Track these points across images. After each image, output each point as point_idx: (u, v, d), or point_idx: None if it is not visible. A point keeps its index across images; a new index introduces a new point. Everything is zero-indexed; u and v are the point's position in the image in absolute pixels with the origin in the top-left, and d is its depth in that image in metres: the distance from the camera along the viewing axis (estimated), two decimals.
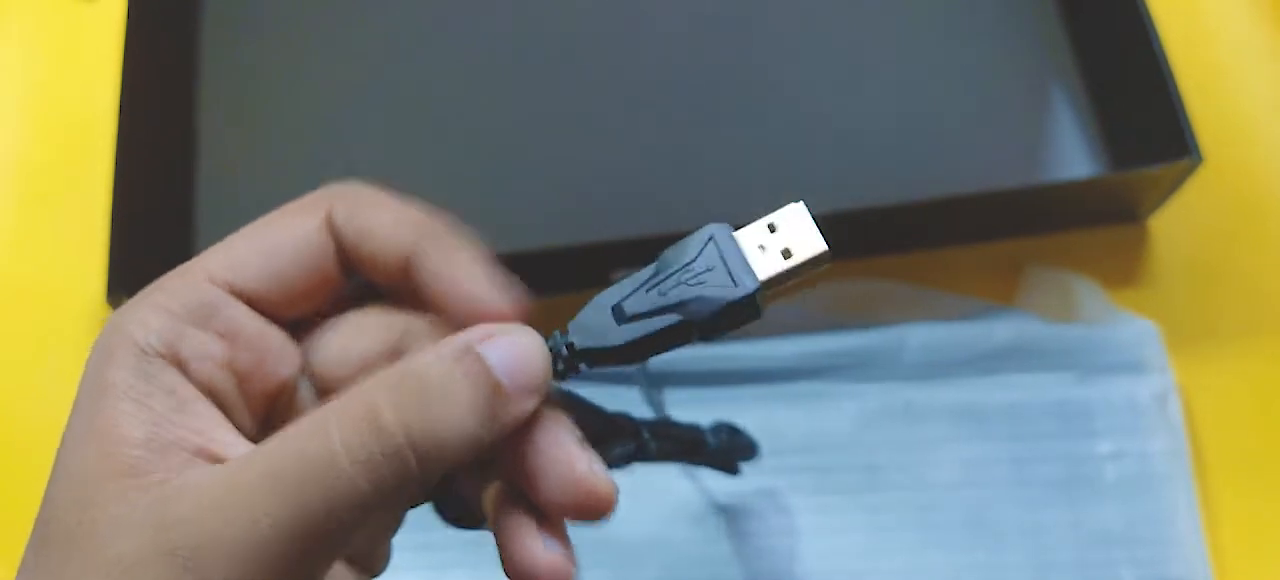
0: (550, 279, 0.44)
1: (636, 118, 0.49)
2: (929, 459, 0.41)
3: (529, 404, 0.20)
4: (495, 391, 0.19)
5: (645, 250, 0.41)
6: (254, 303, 0.21)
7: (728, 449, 0.36)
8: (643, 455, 0.30)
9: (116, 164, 0.44)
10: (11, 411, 0.46)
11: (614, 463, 0.28)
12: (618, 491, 0.21)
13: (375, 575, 0.23)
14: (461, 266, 0.22)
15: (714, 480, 0.42)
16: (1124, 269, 0.45)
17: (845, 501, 0.41)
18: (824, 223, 0.41)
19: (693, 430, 0.35)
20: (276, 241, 0.22)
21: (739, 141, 0.48)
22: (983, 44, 0.50)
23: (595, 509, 0.21)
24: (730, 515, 0.41)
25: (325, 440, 0.18)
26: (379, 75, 0.51)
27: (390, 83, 0.51)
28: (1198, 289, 0.45)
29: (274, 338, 0.22)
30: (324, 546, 0.18)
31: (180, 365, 0.20)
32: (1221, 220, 0.46)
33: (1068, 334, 0.43)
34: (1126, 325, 0.43)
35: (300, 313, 0.22)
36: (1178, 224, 0.46)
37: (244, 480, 0.18)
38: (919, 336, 0.43)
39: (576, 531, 0.38)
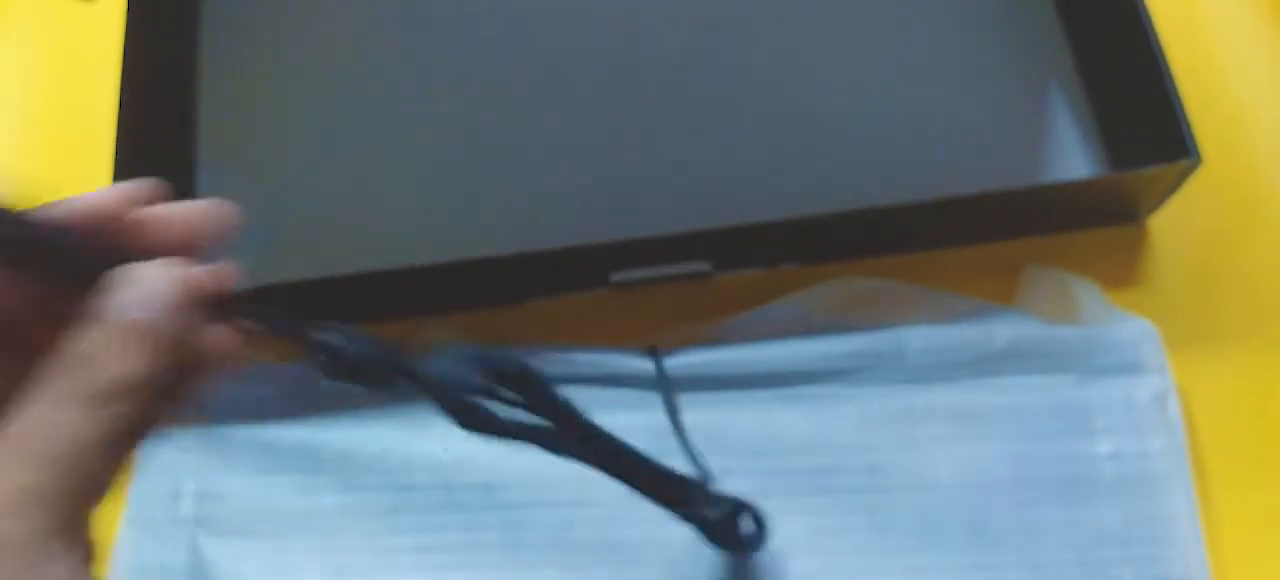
0: (550, 279, 0.44)
1: (636, 119, 0.49)
2: (929, 459, 0.41)
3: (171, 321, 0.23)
4: (129, 337, 0.22)
5: (645, 251, 0.42)
6: None
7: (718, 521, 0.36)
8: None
9: (116, 164, 0.44)
10: None
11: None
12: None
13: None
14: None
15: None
16: (1123, 269, 0.46)
17: (845, 502, 0.41)
18: (822, 223, 0.42)
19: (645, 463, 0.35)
20: None
21: (739, 142, 0.48)
22: (982, 45, 0.50)
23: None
24: None
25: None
26: (379, 76, 0.51)
27: (391, 83, 0.51)
28: (1197, 289, 0.45)
29: None
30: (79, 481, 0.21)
31: None
32: (1220, 220, 0.46)
33: (1067, 335, 0.43)
34: (1125, 326, 0.43)
35: None
36: (1176, 224, 0.46)
37: None
38: (918, 339, 0.43)
39: (577, 535, 0.38)
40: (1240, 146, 0.48)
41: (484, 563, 0.41)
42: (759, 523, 0.37)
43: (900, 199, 0.41)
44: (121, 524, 0.43)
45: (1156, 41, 0.43)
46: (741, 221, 0.41)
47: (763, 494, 0.41)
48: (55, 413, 0.21)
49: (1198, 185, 0.43)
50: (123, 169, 0.44)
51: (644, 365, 0.43)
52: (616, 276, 0.42)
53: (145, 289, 0.22)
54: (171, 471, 0.43)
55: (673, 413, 0.42)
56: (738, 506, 0.37)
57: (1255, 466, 0.42)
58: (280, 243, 0.48)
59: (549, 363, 0.43)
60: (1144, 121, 0.44)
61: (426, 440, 0.42)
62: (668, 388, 0.42)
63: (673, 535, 0.41)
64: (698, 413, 0.42)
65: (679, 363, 0.43)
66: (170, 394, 0.23)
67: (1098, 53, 0.48)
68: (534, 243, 0.41)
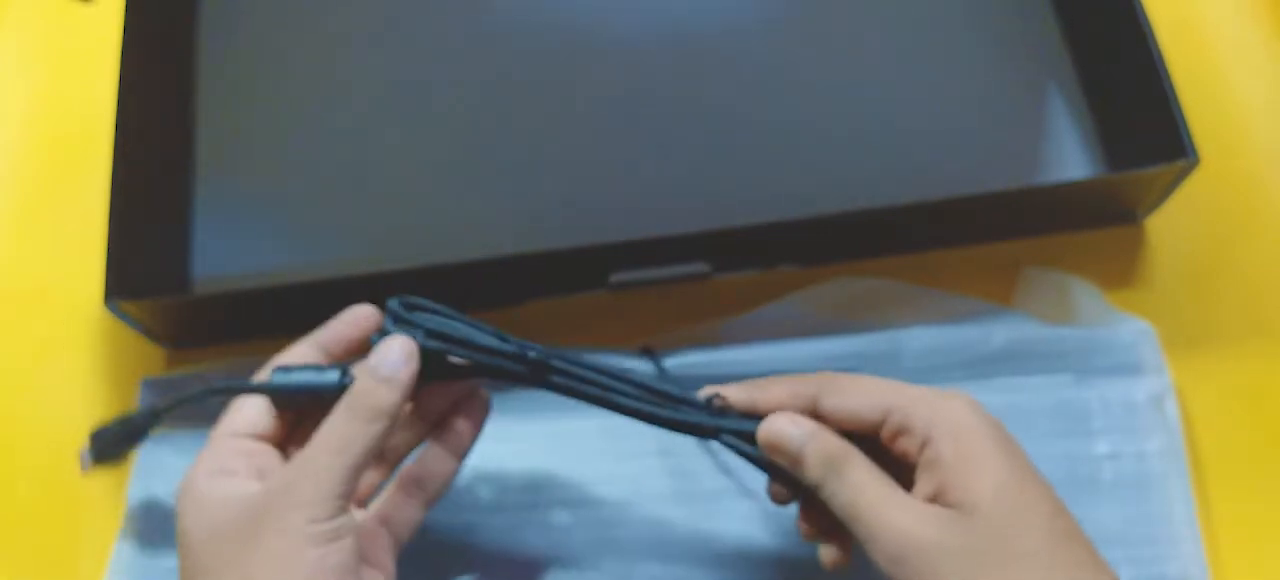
0: (550, 279, 0.44)
1: (635, 120, 0.49)
2: None
3: (391, 370, 0.33)
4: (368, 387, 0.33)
5: (644, 252, 0.42)
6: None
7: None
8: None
9: (114, 166, 0.44)
10: (9, 414, 0.46)
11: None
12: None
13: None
14: None
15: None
16: (1121, 270, 0.46)
17: None
18: (820, 223, 0.42)
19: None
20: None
21: (737, 143, 0.48)
22: (980, 46, 0.50)
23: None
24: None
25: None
26: (379, 76, 0.51)
27: (390, 84, 0.51)
28: (1194, 289, 0.45)
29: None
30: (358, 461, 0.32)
31: None
32: (1218, 221, 0.46)
33: (1065, 335, 0.43)
34: (1123, 326, 0.43)
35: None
36: (1174, 225, 0.46)
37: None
38: (917, 340, 0.43)
39: (577, 535, 0.38)
40: (1238, 146, 0.48)
41: (484, 564, 0.41)
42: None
43: (898, 199, 0.41)
44: (122, 525, 0.43)
45: (1154, 42, 0.43)
46: (740, 223, 0.41)
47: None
48: (343, 424, 0.33)
49: (1196, 185, 0.43)
50: (121, 171, 0.44)
51: (641, 366, 0.43)
52: (615, 277, 0.42)
53: (389, 353, 0.34)
54: (171, 474, 0.43)
55: None
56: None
57: (1253, 466, 0.42)
58: (279, 244, 0.48)
59: None
60: (1142, 122, 0.44)
61: None
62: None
63: (671, 535, 0.41)
64: None
65: (676, 364, 0.43)
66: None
67: (1096, 53, 0.48)
68: (534, 243, 0.41)
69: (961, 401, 0.34)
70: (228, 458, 0.33)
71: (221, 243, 0.48)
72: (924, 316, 0.43)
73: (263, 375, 0.35)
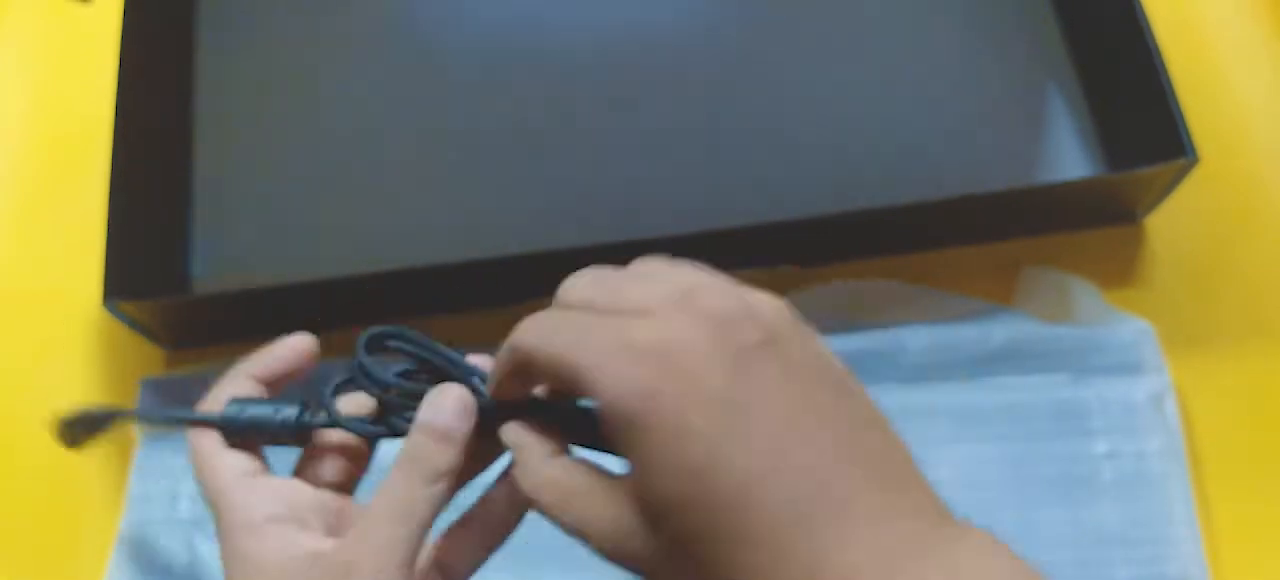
0: (550, 280, 0.44)
1: (635, 121, 0.49)
2: (927, 459, 0.41)
3: (446, 426, 0.30)
4: (427, 442, 0.30)
5: (643, 253, 0.42)
6: None
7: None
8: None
9: (113, 167, 0.44)
10: (9, 414, 0.46)
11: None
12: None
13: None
14: None
15: None
16: (1120, 269, 0.46)
17: None
18: (821, 223, 0.42)
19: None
20: None
21: (739, 144, 0.48)
22: (980, 47, 0.50)
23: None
24: None
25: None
26: (377, 79, 0.51)
27: (388, 86, 0.51)
28: (1194, 289, 0.45)
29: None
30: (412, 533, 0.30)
31: None
32: (1217, 220, 0.46)
33: (1064, 335, 0.43)
34: (1123, 326, 0.43)
35: None
36: (1174, 224, 0.46)
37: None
38: (917, 339, 0.43)
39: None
40: (1237, 146, 0.48)
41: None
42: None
43: (898, 199, 0.41)
44: (121, 525, 0.42)
45: (1154, 42, 0.43)
46: (740, 223, 0.41)
47: None
48: (401, 490, 0.30)
49: (1195, 184, 0.43)
50: (119, 172, 0.44)
51: None
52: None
53: (443, 405, 0.31)
54: (170, 474, 0.43)
55: None
56: None
57: (1253, 465, 0.42)
58: (279, 244, 0.48)
59: None
60: (1141, 121, 0.44)
61: None
62: None
63: None
64: None
65: None
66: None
67: (1096, 53, 0.48)
68: (534, 243, 0.41)
69: (642, 368, 0.26)
70: (284, 504, 0.31)
71: (221, 243, 0.48)
72: (924, 316, 0.43)
73: (209, 404, 0.32)
